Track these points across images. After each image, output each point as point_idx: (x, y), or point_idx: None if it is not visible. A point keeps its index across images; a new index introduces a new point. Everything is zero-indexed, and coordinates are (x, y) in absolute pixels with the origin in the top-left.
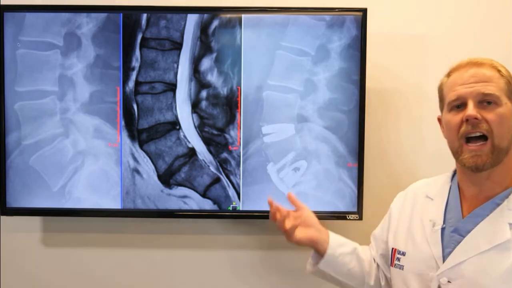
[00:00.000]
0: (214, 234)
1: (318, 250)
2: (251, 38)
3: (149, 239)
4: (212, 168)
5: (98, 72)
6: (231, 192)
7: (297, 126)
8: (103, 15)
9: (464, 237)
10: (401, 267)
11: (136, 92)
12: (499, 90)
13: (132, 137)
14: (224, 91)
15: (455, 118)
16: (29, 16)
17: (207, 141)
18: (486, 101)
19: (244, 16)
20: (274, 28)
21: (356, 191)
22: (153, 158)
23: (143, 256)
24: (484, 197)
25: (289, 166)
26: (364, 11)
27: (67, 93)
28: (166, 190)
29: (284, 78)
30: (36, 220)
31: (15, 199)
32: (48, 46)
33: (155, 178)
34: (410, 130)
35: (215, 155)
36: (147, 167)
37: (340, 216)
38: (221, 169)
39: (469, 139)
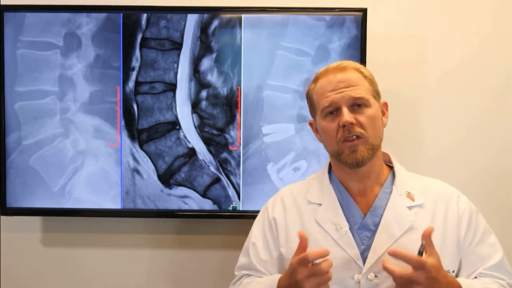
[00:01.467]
0: (214, 234)
1: None
2: (251, 38)
3: (149, 239)
4: (212, 168)
5: (98, 72)
6: (231, 192)
7: (297, 126)
8: (103, 15)
9: (374, 230)
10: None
11: (136, 92)
12: (366, 92)
13: (132, 137)
14: (224, 91)
15: (332, 125)
16: (29, 16)
17: (207, 141)
18: (356, 104)
19: (244, 16)
20: (274, 28)
21: None
22: (153, 158)
23: (143, 256)
24: (371, 191)
25: (289, 166)
26: (364, 11)
27: (67, 93)
28: (166, 190)
29: (284, 78)
30: (36, 220)
31: (15, 199)
32: (48, 46)
33: (155, 178)
34: (410, 130)
35: (215, 155)
36: (147, 167)
37: None
38: (221, 169)
39: (346, 139)
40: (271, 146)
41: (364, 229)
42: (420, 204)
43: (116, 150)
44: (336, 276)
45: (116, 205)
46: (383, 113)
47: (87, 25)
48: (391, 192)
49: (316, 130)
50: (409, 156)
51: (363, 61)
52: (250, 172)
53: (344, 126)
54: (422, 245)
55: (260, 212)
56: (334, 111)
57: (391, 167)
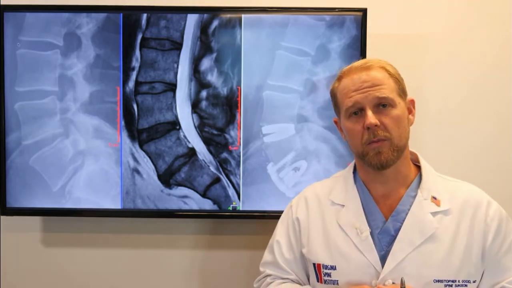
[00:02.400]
0: (214, 234)
1: None
2: (251, 38)
3: (149, 239)
4: (212, 168)
5: (98, 72)
6: (231, 192)
7: (297, 126)
8: (103, 15)
9: (395, 236)
10: (334, 282)
11: (136, 92)
12: (392, 91)
13: (132, 137)
14: (224, 91)
15: (356, 126)
16: (29, 16)
17: (207, 141)
18: (381, 104)
19: (244, 16)
20: (274, 28)
21: None
22: (153, 158)
23: (143, 256)
24: (395, 194)
25: (289, 166)
26: (364, 11)
27: (67, 93)
28: (166, 190)
29: (284, 78)
30: (36, 220)
31: (15, 199)
32: (48, 46)
33: (155, 178)
34: (410, 129)
35: (215, 155)
36: (147, 167)
37: None
38: (221, 169)
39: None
40: (271, 146)
41: (385, 234)
42: (445, 210)
43: (116, 150)
44: (355, 280)
45: (116, 205)
46: (410, 111)
47: (87, 25)
48: (415, 195)
49: (340, 129)
50: None
51: None
52: (250, 172)
53: (368, 128)
54: (402, 281)
55: (284, 211)
56: (358, 111)
57: (419, 167)
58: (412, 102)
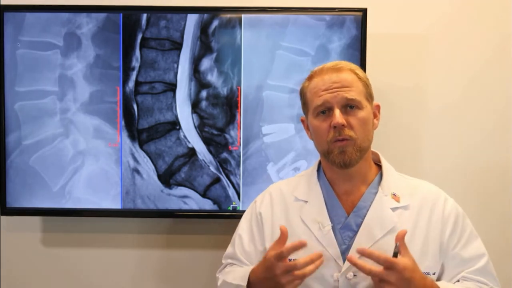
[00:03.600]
0: (214, 234)
1: None
2: (251, 38)
3: (149, 239)
4: (212, 168)
5: (98, 72)
6: (231, 192)
7: (297, 126)
8: (103, 15)
9: (356, 231)
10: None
11: (136, 92)
12: (359, 94)
13: (132, 137)
14: (224, 91)
15: (323, 124)
16: (29, 16)
17: (207, 141)
18: (349, 105)
19: (244, 16)
20: (274, 28)
21: None
22: (153, 158)
23: (143, 256)
24: (357, 191)
25: (289, 166)
26: (364, 11)
27: (67, 93)
28: (166, 190)
29: (284, 78)
30: (36, 220)
31: (15, 199)
32: (48, 46)
33: (155, 178)
34: (410, 129)
35: (215, 155)
36: (147, 167)
37: None
38: (221, 169)
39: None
40: (271, 146)
41: (346, 229)
42: (404, 206)
43: (116, 150)
44: (317, 273)
45: (116, 205)
46: (375, 116)
47: (87, 25)
48: (376, 192)
49: (307, 128)
50: (408, 155)
51: (363, 61)
52: (250, 172)
53: (335, 127)
54: (396, 246)
55: (249, 206)
56: (326, 110)
57: (380, 166)
58: (378, 107)
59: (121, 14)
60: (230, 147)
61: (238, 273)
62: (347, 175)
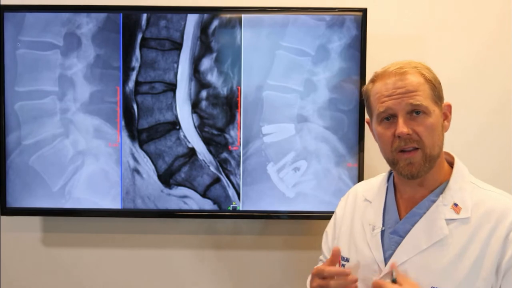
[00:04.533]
0: (214, 234)
1: None
2: (251, 38)
3: (149, 239)
4: (212, 168)
5: (98, 72)
6: (231, 192)
7: (297, 126)
8: (103, 15)
9: (403, 237)
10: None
11: (136, 92)
12: (426, 98)
13: (132, 137)
14: (224, 91)
15: (387, 132)
16: (29, 16)
17: (207, 141)
18: (415, 111)
19: (244, 16)
20: (274, 28)
21: None
22: (153, 158)
23: (143, 256)
24: (419, 197)
25: (289, 166)
26: (364, 11)
27: (67, 93)
28: (166, 190)
29: (284, 78)
30: (36, 220)
31: (15, 199)
32: (48, 46)
33: (155, 178)
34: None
35: (215, 155)
36: (147, 167)
37: None
38: (221, 169)
39: (402, 150)
40: (271, 146)
41: (395, 234)
42: (463, 219)
43: (116, 150)
44: (361, 274)
45: (116, 205)
46: (446, 117)
47: (87, 25)
48: (435, 201)
49: (372, 130)
50: None
51: (363, 61)
52: (250, 172)
53: (399, 136)
54: (392, 274)
55: None
56: (390, 117)
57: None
58: (449, 107)
59: (121, 14)
60: (230, 147)
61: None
62: (412, 184)
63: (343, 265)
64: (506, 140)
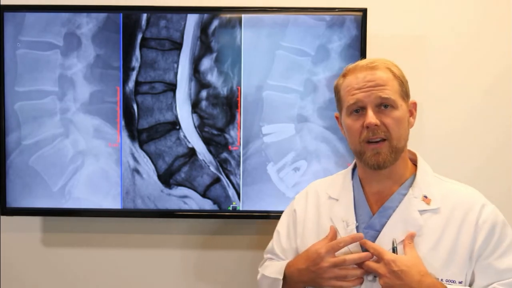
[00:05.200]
0: (214, 234)
1: None
2: (251, 38)
3: (149, 239)
4: (212, 168)
5: (98, 72)
6: (231, 192)
7: (297, 126)
8: (103, 15)
9: (379, 231)
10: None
11: (136, 92)
12: (395, 93)
13: (132, 137)
14: (224, 91)
15: (356, 124)
16: (29, 16)
17: (207, 141)
18: (383, 105)
19: (244, 16)
20: (274, 28)
21: None
22: (153, 158)
23: (143, 256)
24: (388, 191)
25: (289, 166)
26: (364, 11)
27: (67, 93)
28: (166, 190)
29: (284, 78)
30: (36, 220)
31: (15, 199)
32: (48, 46)
33: (155, 178)
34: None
35: (215, 155)
36: (147, 167)
37: None
38: (221, 169)
39: (370, 141)
40: (271, 146)
41: (370, 229)
42: (434, 209)
43: (116, 150)
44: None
45: (116, 205)
46: (411, 113)
47: (87, 25)
48: (406, 193)
49: (341, 125)
50: None
51: None
52: (250, 172)
53: (368, 127)
54: (393, 242)
55: (290, 202)
56: (359, 109)
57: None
58: (414, 104)
59: (121, 14)
60: (230, 147)
61: (275, 267)
62: (379, 175)
63: None
64: (506, 140)
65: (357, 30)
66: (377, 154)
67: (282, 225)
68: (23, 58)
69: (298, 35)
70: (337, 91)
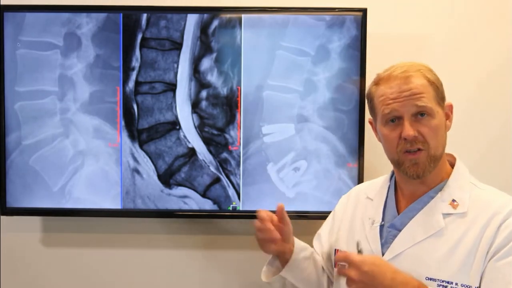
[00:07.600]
0: (214, 234)
1: (281, 259)
2: (251, 38)
3: (149, 239)
4: (212, 168)
5: (98, 72)
6: (231, 192)
7: (297, 126)
8: (103, 15)
9: (400, 230)
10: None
11: (136, 92)
12: (431, 100)
13: (132, 137)
14: (224, 91)
15: (392, 134)
16: (29, 16)
17: (207, 141)
18: (419, 113)
19: (244, 16)
20: (274, 28)
21: None
22: (153, 158)
23: (143, 256)
24: (420, 193)
25: (289, 166)
26: (364, 11)
27: (67, 93)
28: (166, 190)
29: (284, 78)
30: (36, 220)
31: (15, 199)
32: (48, 46)
33: (155, 178)
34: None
35: (215, 155)
36: (147, 167)
37: None
38: (221, 169)
39: (407, 151)
40: (271, 146)
41: (393, 228)
42: (460, 214)
43: (116, 150)
44: None
45: (116, 205)
46: (447, 117)
47: (87, 25)
48: (434, 197)
49: (375, 130)
50: None
51: (363, 61)
52: (250, 172)
53: (405, 139)
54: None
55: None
56: (395, 119)
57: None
58: (450, 107)
59: (121, 14)
60: (230, 147)
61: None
62: (417, 181)
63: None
64: (506, 139)
65: (357, 30)
66: (416, 164)
67: (325, 223)
68: (23, 58)
69: (298, 35)
70: (370, 98)
